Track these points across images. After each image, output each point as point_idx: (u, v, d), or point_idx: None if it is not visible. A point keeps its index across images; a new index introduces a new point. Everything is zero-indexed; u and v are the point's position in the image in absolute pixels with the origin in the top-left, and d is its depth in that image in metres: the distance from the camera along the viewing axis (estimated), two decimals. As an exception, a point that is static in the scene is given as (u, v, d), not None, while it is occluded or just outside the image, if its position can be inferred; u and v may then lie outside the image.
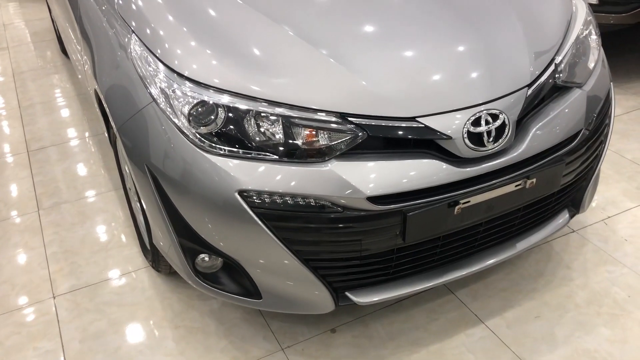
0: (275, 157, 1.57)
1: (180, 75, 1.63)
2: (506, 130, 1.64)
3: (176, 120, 1.61)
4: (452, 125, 1.60)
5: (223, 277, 1.77)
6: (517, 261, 2.22)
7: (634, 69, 3.75)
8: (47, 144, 3.25)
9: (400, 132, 1.59)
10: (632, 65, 3.81)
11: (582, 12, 2.05)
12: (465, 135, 1.60)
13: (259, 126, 1.58)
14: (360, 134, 1.57)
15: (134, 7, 1.87)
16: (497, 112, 1.63)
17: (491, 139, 1.62)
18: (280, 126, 1.57)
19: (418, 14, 1.84)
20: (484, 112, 1.62)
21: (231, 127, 1.58)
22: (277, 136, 1.57)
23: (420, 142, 1.61)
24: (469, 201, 1.64)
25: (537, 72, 1.75)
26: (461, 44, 1.74)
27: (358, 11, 1.83)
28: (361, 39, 1.73)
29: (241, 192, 1.55)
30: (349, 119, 1.57)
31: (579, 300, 2.05)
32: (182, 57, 1.66)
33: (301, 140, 1.57)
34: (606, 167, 2.76)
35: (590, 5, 3.34)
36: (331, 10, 1.84)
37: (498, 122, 1.63)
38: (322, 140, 1.57)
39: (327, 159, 1.57)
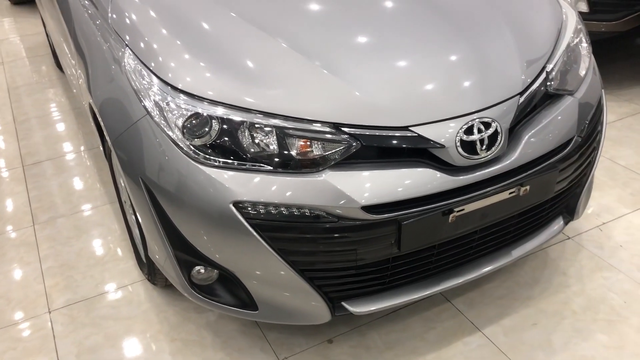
0: (270, 168, 1.58)
1: (174, 88, 1.64)
2: (499, 139, 1.65)
3: (170, 133, 1.62)
4: (445, 134, 1.61)
5: (219, 289, 1.77)
6: (513, 269, 2.22)
7: (626, 76, 3.78)
8: (42, 158, 3.25)
9: (394, 142, 1.60)
10: (624, 72, 3.84)
11: (572, 21, 2.07)
12: (458, 144, 1.61)
13: (253, 137, 1.58)
14: (354, 143, 1.58)
15: (127, 21, 1.88)
16: (489, 120, 1.64)
17: (484, 147, 1.63)
18: (275, 137, 1.58)
19: (410, 24, 1.86)
20: (477, 120, 1.63)
21: (225, 138, 1.59)
22: (272, 147, 1.58)
23: (414, 151, 1.62)
24: (463, 209, 1.64)
25: (529, 80, 1.76)
26: (453, 53, 1.76)
27: (350, 22, 1.85)
28: (354, 50, 1.74)
29: (236, 204, 1.55)
30: (343, 129, 1.58)
31: (575, 307, 2.05)
32: (176, 70, 1.67)
33: (295, 151, 1.58)
34: (600, 173, 2.77)
35: (582, 13, 3.38)
36: (324, 21, 1.85)
37: (490, 131, 1.64)
38: (316, 150, 1.58)
39: (321, 169, 1.57)
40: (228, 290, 1.76)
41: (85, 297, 2.24)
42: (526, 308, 2.06)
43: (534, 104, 1.77)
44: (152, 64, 1.71)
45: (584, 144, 1.89)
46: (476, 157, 1.63)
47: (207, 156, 1.59)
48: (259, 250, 1.58)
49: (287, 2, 1.92)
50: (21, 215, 2.75)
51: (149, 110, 1.67)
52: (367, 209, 1.56)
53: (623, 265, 2.22)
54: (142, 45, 1.77)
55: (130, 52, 1.79)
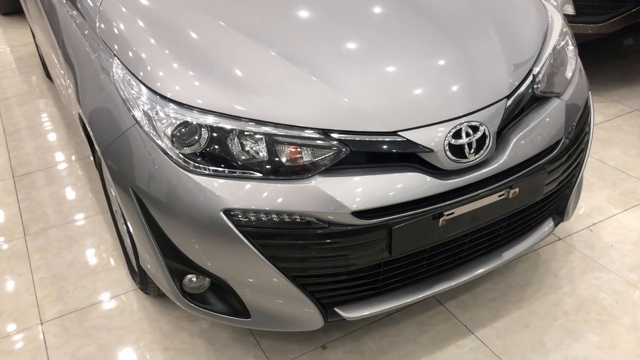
0: (260, 175, 1.58)
1: (163, 97, 1.64)
2: (487, 142, 1.66)
3: (160, 142, 1.62)
4: (434, 138, 1.62)
5: (211, 297, 1.77)
6: (505, 271, 2.23)
7: (613, 78, 3.81)
8: (33, 169, 3.24)
9: (383, 147, 1.60)
10: (610, 74, 3.87)
11: (558, 24, 2.09)
12: (447, 148, 1.62)
13: (242, 145, 1.59)
14: (343, 149, 1.59)
15: (115, 30, 1.88)
16: (477, 124, 1.65)
17: (472, 150, 1.64)
18: (264, 144, 1.58)
19: (397, 29, 1.87)
20: (465, 124, 1.64)
21: (215, 146, 1.59)
22: (261, 154, 1.58)
23: (403, 155, 1.63)
24: (453, 212, 1.65)
25: (516, 83, 1.78)
26: (440, 57, 1.77)
27: (338, 29, 1.86)
28: (342, 56, 1.75)
29: (226, 212, 1.55)
30: (332, 135, 1.59)
31: (567, 308, 2.06)
32: (165, 79, 1.67)
33: (285, 158, 1.58)
34: (589, 174, 2.79)
35: (568, 15, 3.41)
36: (312, 29, 1.86)
37: (478, 134, 1.65)
38: (306, 156, 1.59)
39: (311, 175, 1.58)
40: (220, 298, 1.76)
41: (78, 307, 2.23)
42: (518, 310, 2.07)
43: (522, 106, 1.79)
44: (141, 74, 1.71)
45: (572, 145, 1.90)
46: (465, 160, 1.64)
47: (197, 164, 1.59)
48: (250, 257, 1.58)
49: (275, 11, 1.93)
50: (12, 227, 2.73)
51: (138, 119, 1.67)
52: (358, 214, 1.56)
53: (613, 265, 2.23)
54: (130, 54, 1.78)
55: (119, 61, 1.79)
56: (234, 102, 1.61)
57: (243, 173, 1.58)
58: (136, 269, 2.14)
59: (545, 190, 1.85)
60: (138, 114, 1.67)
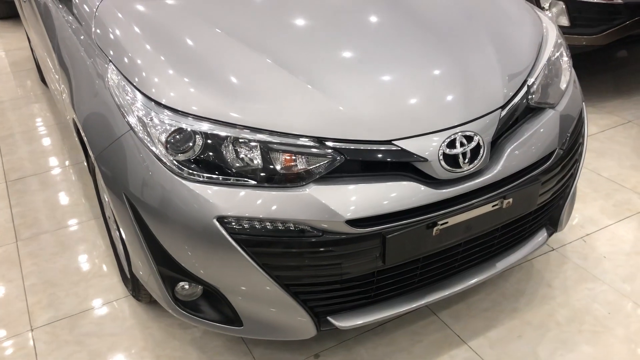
0: (254, 182, 1.57)
1: (158, 104, 1.64)
2: (481, 152, 1.66)
3: (154, 148, 1.61)
4: (429, 148, 1.62)
5: (203, 305, 1.76)
6: (498, 281, 2.23)
7: (607, 89, 3.84)
8: (26, 173, 3.22)
9: (377, 155, 1.60)
10: (604, 85, 3.89)
11: (552, 35, 2.10)
12: (441, 157, 1.62)
13: (237, 152, 1.58)
14: (338, 157, 1.59)
15: (111, 36, 1.88)
16: (471, 133, 1.66)
17: (467, 160, 1.64)
18: (259, 152, 1.58)
19: (393, 38, 1.87)
20: (459, 134, 1.64)
21: (209, 153, 1.59)
22: (256, 162, 1.58)
23: (398, 164, 1.63)
24: (447, 222, 1.65)
25: (511, 94, 1.79)
26: (435, 67, 1.78)
27: (334, 37, 1.86)
28: (338, 65, 1.75)
29: (220, 219, 1.55)
30: (327, 143, 1.59)
31: (560, 319, 2.06)
32: (160, 86, 1.67)
33: (280, 165, 1.58)
34: (583, 185, 2.80)
35: (563, 27, 3.43)
36: (308, 37, 1.86)
37: (473, 144, 1.65)
38: (301, 164, 1.59)
39: (305, 183, 1.58)
40: (212, 306, 1.75)
41: (69, 314, 2.21)
42: (512, 320, 2.06)
43: (516, 117, 1.79)
44: (136, 79, 1.71)
45: (566, 156, 1.91)
46: (459, 170, 1.64)
47: (191, 171, 1.58)
48: (243, 265, 1.58)
49: (271, 19, 1.93)
50: (4, 232, 2.72)
51: (133, 125, 1.66)
52: (352, 222, 1.56)
53: (607, 276, 2.24)
54: (125, 60, 1.77)
55: (114, 67, 1.79)
56: (229, 109, 1.61)
57: (237, 180, 1.57)
58: (128, 276, 2.13)
59: (539, 201, 1.85)
60: (132, 120, 1.67)
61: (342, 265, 1.61)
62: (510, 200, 1.73)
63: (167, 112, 1.62)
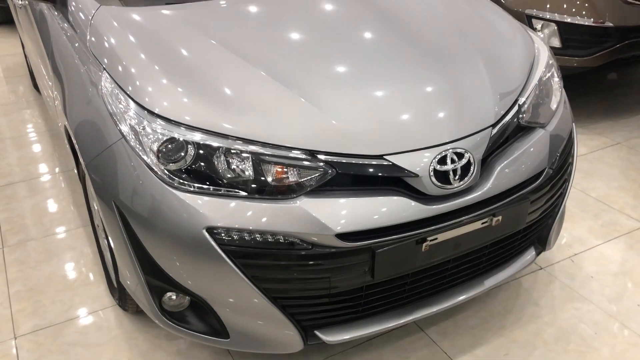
0: (245, 193, 1.57)
1: (151, 113, 1.64)
2: (471, 169, 1.68)
3: (145, 157, 1.61)
4: (420, 164, 1.63)
5: (190, 316, 1.75)
6: (486, 298, 2.24)
7: (597, 110, 3.88)
8: (15, 179, 3.20)
9: (369, 170, 1.61)
10: (594, 107, 3.94)
11: (544, 56, 2.12)
12: (432, 173, 1.63)
13: (228, 163, 1.58)
14: (329, 171, 1.59)
15: (106, 44, 1.88)
16: (462, 151, 1.67)
17: (457, 177, 1.65)
18: (250, 163, 1.58)
19: (386, 55, 1.89)
20: (450, 150, 1.65)
21: (201, 163, 1.58)
22: (247, 173, 1.58)
23: (389, 179, 1.64)
24: (436, 238, 1.65)
25: (502, 112, 1.80)
26: (428, 84, 1.79)
27: (328, 52, 1.87)
28: (331, 79, 1.76)
29: (209, 229, 1.54)
30: (319, 156, 1.59)
31: (547, 337, 2.06)
32: (153, 95, 1.67)
33: (271, 177, 1.58)
34: (572, 205, 2.82)
35: (554, 48, 3.48)
36: (302, 51, 1.88)
37: (463, 161, 1.66)
38: (292, 177, 1.59)
39: (296, 195, 1.58)
40: (199, 317, 1.74)
41: (53, 322, 2.18)
42: (499, 338, 2.07)
43: (507, 135, 1.81)
44: (130, 88, 1.71)
45: (555, 175, 1.92)
46: (449, 186, 1.65)
47: (182, 181, 1.58)
48: (231, 277, 1.57)
49: (266, 32, 1.94)
50: (-10, 238, 2.69)
51: (125, 134, 1.66)
52: (342, 236, 1.56)
53: (594, 296, 2.25)
54: (119, 69, 1.77)
55: (108, 75, 1.79)
56: (222, 120, 1.61)
57: (228, 191, 1.57)
58: (115, 285, 2.11)
59: (528, 219, 1.86)
60: (125, 129, 1.66)
61: (331, 279, 1.61)
62: (500, 218, 1.73)
63: (159, 121, 1.62)
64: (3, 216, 2.85)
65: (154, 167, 1.60)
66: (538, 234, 2.05)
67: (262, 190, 1.58)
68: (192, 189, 1.58)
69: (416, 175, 1.62)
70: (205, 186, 1.58)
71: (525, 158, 1.80)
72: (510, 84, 1.90)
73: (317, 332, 1.73)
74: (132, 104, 1.68)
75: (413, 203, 1.62)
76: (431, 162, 1.63)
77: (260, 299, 1.61)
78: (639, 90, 4.22)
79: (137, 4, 2.08)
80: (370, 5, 2.16)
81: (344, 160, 1.60)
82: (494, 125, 1.76)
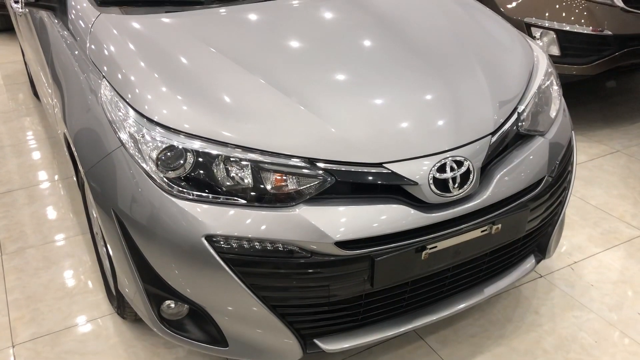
0: (244, 201, 1.57)
1: (150, 120, 1.64)
2: (471, 177, 1.67)
3: (144, 165, 1.61)
4: (419, 172, 1.63)
5: (189, 325, 1.74)
6: (486, 307, 2.23)
7: (596, 118, 3.89)
8: (14, 187, 3.19)
9: (368, 178, 1.61)
10: (594, 115, 3.94)
11: (543, 64, 2.13)
12: (431, 182, 1.62)
13: (228, 171, 1.58)
14: (328, 179, 1.59)
15: (105, 52, 1.89)
16: (461, 159, 1.67)
17: (456, 185, 1.65)
18: (250, 171, 1.58)
19: (386, 63, 1.89)
20: (449, 159, 1.65)
21: (200, 171, 1.58)
22: (246, 181, 1.58)
23: (388, 187, 1.63)
24: (436, 246, 1.65)
25: (501, 121, 1.80)
26: (427, 92, 1.79)
27: (327, 60, 1.88)
28: (330, 87, 1.76)
29: (208, 237, 1.54)
30: (318, 164, 1.59)
31: (547, 346, 2.06)
32: (153, 103, 1.67)
33: (270, 185, 1.58)
34: (571, 212, 2.82)
35: (553, 56, 3.48)
36: (301, 58, 1.88)
37: (463, 169, 1.66)
38: (291, 185, 1.59)
39: (295, 203, 1.58)
40: (198, 325, 1.73)
41: (52, 330, 2.18)
42: (498, 346, 2.06)
43: (506, 143, 1.81)
44: (129, 96, 1.71)
45: (555, 183, 1.92)
46: (449, 195, 1.65)
47: (181, 189, 1.58)
48: (230, 285, 1.57)
49: (265, 39, 1.95)
50: (-11, 245, 2.69)
51: (124, 141, 1.66)
52: (341, 244, 1.56)
53: (594, 304, 2.24)
54: (119, 76, 1.78)
55: (107, 83, 1.79)
56: (221, 128, 1.61)
57: (227, 199, 1.57)
58: (114, 293, 2.10)
59: (528, 227, 1.86)
60: (124, 136, 1.66)
61: (330, 287, 1.61)
62: (499, 226, 1.73)
63: (159, 129, 1.62)
64: (2, 223, 2.85)
65: (153, 175, 1.59)
66: (538, 242, 2.04)
67: (261, 198, 1.57)
68: (191, 196, 1.57)
69: (415, 183, 1.62)
70: (204, 194, 1.58)
71: (524, 166, 1.80)
72: (509, 92, 1.90)
73: (316, 341, 1.72)
74: (131, 112, 1.68)
75: (412, 211, 1.62)
76: (430, 170, 1.63)
77: (259, 307, 1.60)
78: (638, 98, 4.22)
79: (136, 12, 2.08)
80: (369, 13, 2.17)
81: (343, 168, 1.60)
82: (493, 133, 1.76)
